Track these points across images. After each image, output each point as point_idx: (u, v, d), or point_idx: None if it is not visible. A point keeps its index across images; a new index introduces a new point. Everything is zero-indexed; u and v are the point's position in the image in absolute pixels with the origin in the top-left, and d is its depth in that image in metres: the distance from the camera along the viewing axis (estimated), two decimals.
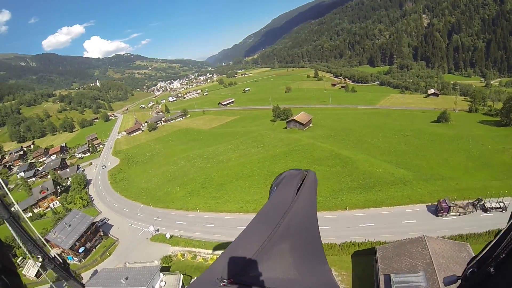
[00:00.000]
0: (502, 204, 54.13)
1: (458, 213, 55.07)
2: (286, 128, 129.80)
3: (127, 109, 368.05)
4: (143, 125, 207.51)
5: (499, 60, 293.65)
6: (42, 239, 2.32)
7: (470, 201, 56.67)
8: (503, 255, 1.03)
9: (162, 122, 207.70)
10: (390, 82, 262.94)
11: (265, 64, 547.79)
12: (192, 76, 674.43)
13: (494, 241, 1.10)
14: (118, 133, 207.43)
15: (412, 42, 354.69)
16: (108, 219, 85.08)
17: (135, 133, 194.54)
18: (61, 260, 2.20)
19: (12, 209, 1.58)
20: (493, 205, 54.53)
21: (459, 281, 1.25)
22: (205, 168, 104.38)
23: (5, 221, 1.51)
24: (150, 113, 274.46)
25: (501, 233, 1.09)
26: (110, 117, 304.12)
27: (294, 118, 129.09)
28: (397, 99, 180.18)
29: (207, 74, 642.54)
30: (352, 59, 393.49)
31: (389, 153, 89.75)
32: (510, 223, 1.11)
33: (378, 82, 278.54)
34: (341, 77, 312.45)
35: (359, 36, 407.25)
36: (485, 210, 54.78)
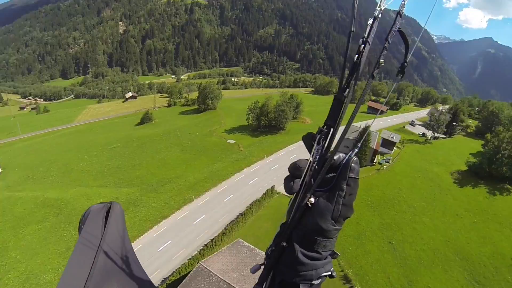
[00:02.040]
0: None
1: None
2: None
3: None
4: None
5: (186, 59, 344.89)
6: None
7: None
8: (289, 232, 1.33)
9: None
10: (85, 93, 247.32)
11: None
12: None
13: (280, 230, 1.37)
14: None
15: (108, 49, 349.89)
16: None
17: None
18: None
19: None
20: None
21: (262, 266, 1.48)
22: None
23: None
24: None
25: (283, 222, 1.36)
26: None
27: None
28: (96, 109, 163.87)
29: None
30: (43, 73, 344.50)
31: (103, 175, 74.14)
32: (289, 214, 1.36)
33: (73, 96, 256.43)
34: (31, 98, 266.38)
35: (51, 46, 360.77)
36: None
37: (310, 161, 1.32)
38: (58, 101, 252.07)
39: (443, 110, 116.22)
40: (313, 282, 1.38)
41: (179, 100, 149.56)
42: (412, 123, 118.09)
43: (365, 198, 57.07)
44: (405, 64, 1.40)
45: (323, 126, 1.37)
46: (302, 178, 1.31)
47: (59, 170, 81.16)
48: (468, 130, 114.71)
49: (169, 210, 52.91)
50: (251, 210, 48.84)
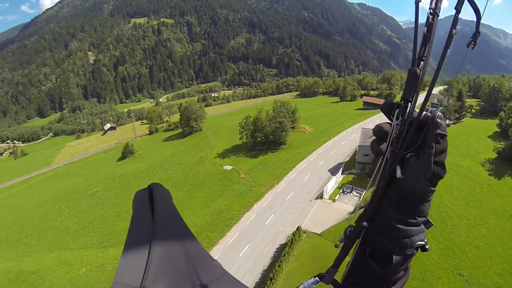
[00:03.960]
0: None
1: None
2: None
3: None
4: None
5: (162, 81, 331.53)
6: None
7: None
8: (371, 212, 1.26)
9: None
10: (64, 130, 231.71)
11: None
12: None
13: (364, 210, 1.30)
14: None
15: (81, 81, 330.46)
16: None
17: None
18: None
19: None
20: None
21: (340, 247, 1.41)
22: None
23: None
24: None
25: (367, 205, 1.30)
26: None
27: None
28: (74, 147, 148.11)
29: None
30: (19, 114, 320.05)
31: (84, 231, 59.13)
32: (372, 197, 1.30)
33: (51, 134, 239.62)
34: (9, 141, 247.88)
35: (23, 86, 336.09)
36: None
37: (393, 126, 1.27)
38: (37, 141, 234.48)
39: (446, 94, 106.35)
40: (407, 252, 1.32)
41: (161, 125, 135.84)
42: None
43: None
44: (478, 34, 1.27)
45: (400, 101, 1.26)
46: (387, 142, 1.26)
47: (35, 229, 66.08)
48: (472, 111, 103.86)
49: None
50: (281, 266, 35.27)
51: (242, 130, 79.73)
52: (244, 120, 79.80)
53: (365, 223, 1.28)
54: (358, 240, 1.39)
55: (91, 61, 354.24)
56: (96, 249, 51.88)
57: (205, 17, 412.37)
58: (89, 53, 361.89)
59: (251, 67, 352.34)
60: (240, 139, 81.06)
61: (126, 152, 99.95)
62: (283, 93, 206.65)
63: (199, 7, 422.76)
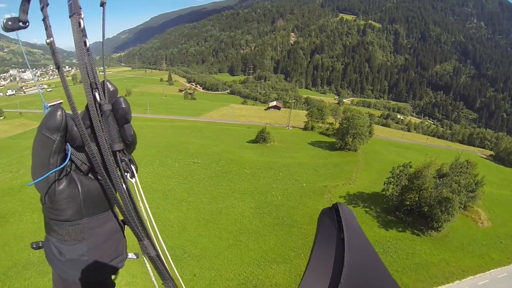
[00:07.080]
0: None
1: None
2: None
3: None
4: None
5: (353, 82, 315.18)
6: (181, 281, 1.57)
7: None
8: None
9: None
10: (240, 92, 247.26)
11: (129, 64, 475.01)
12: (51, 67, 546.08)
13: None
14: None
15: (276, 56, 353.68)
16: None
17: None
18: None
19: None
20: None
21: None
22: None
23: (149, 259, 1.12)
24: None
25: None
26: None
27: None
28: (234, 110, 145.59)
29: (66, 68, 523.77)
30: (214, 66, 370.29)
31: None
32: None
33: (228, 91, 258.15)
34: (193, 83, 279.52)
35: (225, 44, 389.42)
36: None
37: None
38: (213, 92, 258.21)
39: None
40: None
41: (320, 125, 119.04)
42: None
43: None
44: None
45: None
46: None
47: None
48: None
49: None
50: None
51: (392, 180, 54.80)
52: (400, 168, 55.20)
53: None
54: None
55: (291, 42, 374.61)
56: None
57: (415, 30, 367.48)
58: (292, 34, 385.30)
59: (449, 102, 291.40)
60: (382, 190, 56.20)
61: (259, 137, 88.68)
62: (474, 146, 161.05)
63: (411, 18, 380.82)
